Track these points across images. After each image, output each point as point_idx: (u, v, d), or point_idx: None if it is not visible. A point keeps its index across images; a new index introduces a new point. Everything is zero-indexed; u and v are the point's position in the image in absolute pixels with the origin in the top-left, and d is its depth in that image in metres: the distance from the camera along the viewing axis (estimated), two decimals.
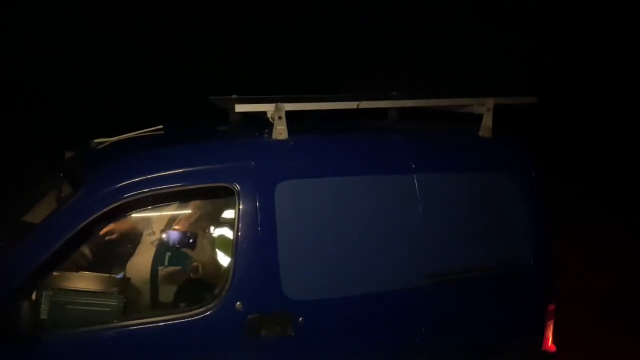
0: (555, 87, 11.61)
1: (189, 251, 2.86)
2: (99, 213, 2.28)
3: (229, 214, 3.16)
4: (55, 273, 2.44)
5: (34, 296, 2.28)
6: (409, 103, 2.94)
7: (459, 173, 2.86)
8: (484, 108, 2.97)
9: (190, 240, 2.78)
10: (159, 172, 2.37)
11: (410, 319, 2.69)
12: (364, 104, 2.80)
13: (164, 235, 2.82)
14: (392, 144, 2.85)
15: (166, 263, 2.87)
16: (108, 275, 2.69)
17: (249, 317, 2.40)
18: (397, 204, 2.68)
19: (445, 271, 2.72)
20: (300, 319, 2.46)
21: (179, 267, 2.97)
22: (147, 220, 3.04)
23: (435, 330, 2.74)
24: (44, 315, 2.26)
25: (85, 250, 2.81)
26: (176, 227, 3.00)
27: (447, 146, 2.98)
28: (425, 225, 2.70)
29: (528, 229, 2.93)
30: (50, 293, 2.33)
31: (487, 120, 2.97)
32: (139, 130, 2.81)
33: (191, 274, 2.97)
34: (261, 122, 2.70)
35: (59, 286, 2.42)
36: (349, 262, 2.58)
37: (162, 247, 2.89)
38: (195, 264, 2.97)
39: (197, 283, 2.94)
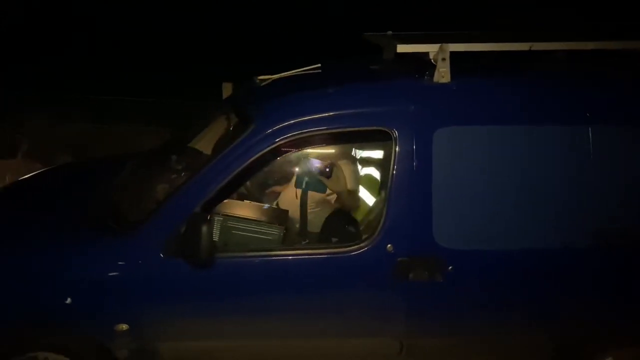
0: None
1: (324, 180, 2.97)
2: (266, 150, 2.41)
3: (377, 154, 3.20)
4: (225, 201, 2.68)
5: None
6: (590, 45, 2.61)
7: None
8: None
9: (327, 169, 2.89)
10: (322, 112, 2.42)
11: (568, 281, 2.54)
12: (537, 46, 2.55)
13: (305, 162, 2.96)
14: (564, 90, 2.58)
15: (303, 186, 2.99)
16: (270, 205, 2.89)
17: (398, 259, 2.45)
18: (565, 158, 2.46)
19: (614, 233, 2.49)
20: (450, 267, 2.46)
21: (322, 195, 3.10)
22: (302, 156, 3.17)
23: (596, 294, 2.56)
24: (215, 237, 2.52)
25: (249, 181, 3.04)
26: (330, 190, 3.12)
27: (628, 95, 2.63)
28: (595, 182, 2.47)
29: None
30: (221, 219, 2.59)
31: None
32: (295, 68, 2.87)
33: (336, 207, 3.09)
34: (418, 60, 2.60)
35: (227, 213, 2.68)
36: (506, 216, 2.47)
37: (302, 172, 3.02)
38: (331, 194, 3.10)
39: (342, 217, 3.05)
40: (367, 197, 3.15)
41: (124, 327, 2.44)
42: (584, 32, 2.98)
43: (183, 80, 8.34)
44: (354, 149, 3.30)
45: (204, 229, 2.25)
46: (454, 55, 2.47)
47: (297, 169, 3.13)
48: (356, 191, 3.11)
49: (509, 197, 2.46)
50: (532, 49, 2.55)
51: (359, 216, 3.03)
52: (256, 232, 2.60)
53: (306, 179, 2.97)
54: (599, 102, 2.53)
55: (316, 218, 3.07)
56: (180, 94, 6.95)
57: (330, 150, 3.10)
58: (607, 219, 2.47)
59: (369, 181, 3.20)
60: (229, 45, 10.59)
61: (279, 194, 3.21)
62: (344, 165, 3.10)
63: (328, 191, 3.07)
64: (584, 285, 2.53)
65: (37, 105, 6.70)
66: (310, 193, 3.02)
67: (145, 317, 2.47)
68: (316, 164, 2.91)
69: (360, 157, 3.30)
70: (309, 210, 3.05)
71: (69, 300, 2.40)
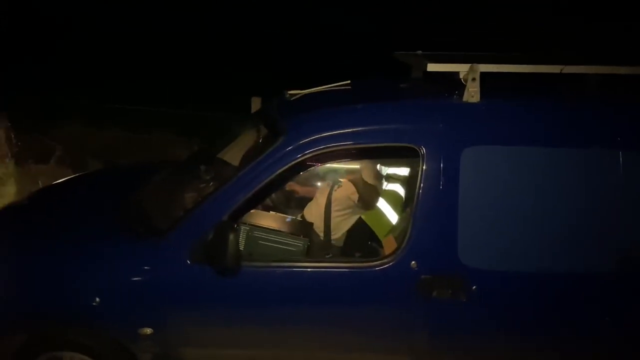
0: None
1: None
2: (295, 162, 2.45)
3: (403, 171, 3.22)
4: (251, 211, 2.73)
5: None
6: (622, 70, 2.61)
7: None
8: None
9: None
10: (351, 127, 2.46)
11: (592, 306, 2.51)
12: (569, 69, 2.55)
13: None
14: (595, 114, 2.57)
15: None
16: (295, 218, 2.93)
17: (422, 276, 2.45)
18: (595, 181, 2.45)
19: None
20: (474, 286, 2.44)
21: (348, 215, 3.13)
22: (329, 171, 3.21)
23: (620, 323, 2.52)
24: (241, 246, 2.56)
25: (275, 193, 3.08)
26: (348, 178, 3.15)
27: None
28: (623, 207, 2.44)
29: None
30: (247, 228, 2.63)
31: None
32: (325, 83, 2.93)
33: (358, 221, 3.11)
34: (448, 80, 2.62)
35: (254, 223, 2.72)
36: (533, 238, 2.45)
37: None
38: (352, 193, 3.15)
39: (364, 232, 3.07)
40: (391, 214, 3.16)
41: (149, 331, 2.49)
42: (616, 56, 2.97)
43: (213, 92, 8.52)
44: (379, 166, 3.33)
45: (231, 236, 2.29)
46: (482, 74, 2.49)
47: (323, 183, 3.16)
48: (374, 187, 3.14)
49: (535, 219, 2.45)
50: (563, 71, 2.56)
51: (382, 232, 3.04)
52: (281, 243, 2.63)
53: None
54: (631, 126, 2.51)
55: (340, 224, 3.09)
56: (211, 106, 7.10)
57: (357, 165, 3.13)
58: (634, 243, 2.44)
59: (393, 198, 3.22)
60: (260, 60, 10.79)
61: (300, 195, 3.25)
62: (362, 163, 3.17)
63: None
64: (609, 310, 2.49)
65: (71, 113, 6.91)
66: (334, 196, 3.05)
67: (169, 322, 2.51)
68: None
69: (386, 173, 3.32)
70: (332, 214, 3.08)
71: (97, 300, 2.45)
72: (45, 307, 2.53)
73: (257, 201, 2.82)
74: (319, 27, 11.94)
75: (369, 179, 3.16)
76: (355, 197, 3.16)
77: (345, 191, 3.15)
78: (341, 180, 3.16)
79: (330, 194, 3.13)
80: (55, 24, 12.23)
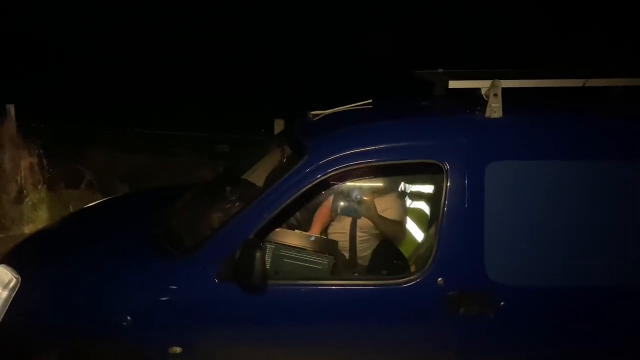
0: None
1: (356, 205, 2.90)
2: (317, 180, 2.48)
3: (427, 188, 3.22)
4: (277, 229, 2.76)
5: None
6: None
7: None
8: None
9: (357, 195, 2.86)
10: (375, 145, 2.48)
11: (623, 321, 2.46)
12: (592, 82, 2.55)
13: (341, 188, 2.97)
14: (619, 126, 2.55)
15: (338, 211, 2.91)
16: (320, 236, 2.95)
17: (449, 293, 2.43)
18: (623, 195, 2.42)
19: None
20: (502, 302, 2.42)
21: (373, 235, 3.11)
22: (353, 189, 3.22)
23: None
24: (267, 265, 2.59)
25: (299, 211, 3.11)
26: (373, 195, 3.14)
27: None
28: None
29: None
30: (273, 246, 2.66)
31: None
32: (340, 101, 2.97)
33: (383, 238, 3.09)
34: (469, 96, 2.64)
35: (278, 241, 2.75)
36: (560, 253, 2.43)
37: (338, 198, 2.92)
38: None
39: (390, 250, 3.05)
40: (416, 231, 3.16)
41: (178, 350, 2.51)
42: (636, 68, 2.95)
43: (238, 116, 8.68)
44: (402, 183, 3.34)
45: (258, 254, 2.32)
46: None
47: (345, 201, 3.15)
48: (394, 220, 3.06)
49: (561, 233, 2.42)
50: (585, 85, 2.56)
51: (408, 250, 3.03)
52: (306, 261, 2.65)
53: (341, 203, 2.94)
54: None
55: (365, 248, 3.09)
56: (236, 130, 7.23)
57: (381, 183, 3.14)
58: None
59: (418, 215, 3.21)
60: (283, 83, 10.98)
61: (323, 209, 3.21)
62: (382, 196, 3.11)
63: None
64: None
65: (98, 138, 7.12)
66: (359, 222, 3.05)
67: (198, 340, 2.53)
68: (350, 190, 2.93)
69: (410, 191, 3.32)
70: (358, 239, 3.08)
71: (128, 319, 2.49)
72: (78, 327, 2.59)
73: (282, 220, 2.85)
74: (338, 53, 12.14)
75: (393, 214, 3.07)
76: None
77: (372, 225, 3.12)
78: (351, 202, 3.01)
79: (355, 223, 3.10)
80: (76, 52, 12.68)
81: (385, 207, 3.06)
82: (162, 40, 13.54)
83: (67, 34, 13.44)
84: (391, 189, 3.23)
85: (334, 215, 3.15)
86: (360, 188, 2.97)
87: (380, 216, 2.97)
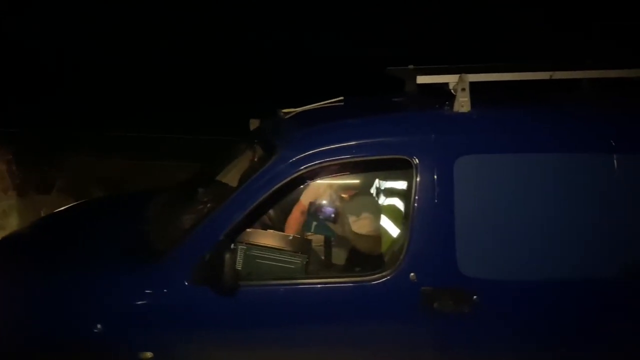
0: None
1: (331, 224, 2.96)
2: (289, 179, 2.46)
3: (400, 184, 3.21)
4: (248, 230, 2.72)
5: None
6: (612, 73, 2.62)
7: None
8: None
9: (332, 215, 2.88)
10: (345, 141, 2.47)
11: (596, 313, 2.47)
12: (558, 75, 2.57)
13: (313, 206, 2.91)
14: (587, 118, 2.58)
15: (312, 230, 2.96)
16: (293, 235, 2.92)
17: (422, 288, 2.43)
18: (590, 186, 2.44)
19: None
20: (475, 297, 2.42)
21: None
22: (323, 186, 3.20)
23: (625, 326, 2.48)
24: (239, 266, 2.56)
25: (271, 210, 3.08)
26: (344, 195, 3.12)
27: None
28: (622, 212, 2.43)
29: None
30: (245, 247, 2.62)
31: None
32: (317, 101, 2.94)
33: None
34: (440, 92, 2.64)
35: (250, 242, 2.71)
36: (531, 245, 2.44)
37: (311, 216, 2.95)
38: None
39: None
40: (391, 228, 3.15)
41: (149, 355, 2.47)
42: (607, 60, 2.99)
43: (213, 118, 8.60)
44: (377, 180, 3.33)
45: (227, 256, 2.29)
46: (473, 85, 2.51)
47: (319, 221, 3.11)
48: (368, 236, 3.00)
49: (532, 226, 2.43)
50: (552, 77, 2.57)
51: (383, 246, 3.02)
52: (279, 261, 2.62)
53: (314, 223, 2.95)
54: (624, 130, 2.50)
55: (340, 250, 3.07)
56: (212, 131, 7.16)
57: (353, 180, 3.13)
58: (634, 249, 2.41)
59: (392, 211, 3.20)
60: (257, 83, 10.91)
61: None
62: (354, 200, 3.06)
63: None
64: (612, 318, 2.45)
65: (74, 144, 6.99)
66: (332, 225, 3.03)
67: (170, 345, 2.49)
68: (323, 209, 2.90)
69: (384, 187, 3.32)
70: (332, 243, 3.06)
71: (98, 327, 2.44)
72: (48, 335, 2.52)
73: (254, 220, 2.82)
74: (313, 54, 12.13)
75: (365, 229, 2.98)
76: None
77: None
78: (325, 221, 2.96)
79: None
80: (55, 56, 12.46)
81: (358, 218, 3.00)
82: (154, 43, 13.35)
83: (44, 35, 13.17)
84: (364, 188, 3.22)
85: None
86: (335, 205, 2.91)
87: (355, 233, 2.94)
